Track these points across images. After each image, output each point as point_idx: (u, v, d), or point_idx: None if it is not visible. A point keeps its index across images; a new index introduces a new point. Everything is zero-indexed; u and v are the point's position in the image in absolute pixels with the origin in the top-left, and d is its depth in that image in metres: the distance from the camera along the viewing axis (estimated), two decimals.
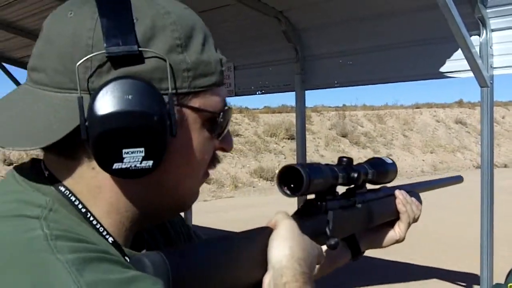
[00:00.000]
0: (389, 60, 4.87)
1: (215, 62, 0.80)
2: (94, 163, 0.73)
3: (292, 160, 17.16)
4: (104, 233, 0.76)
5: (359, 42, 4.97)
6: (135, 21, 0.72)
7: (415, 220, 1.36)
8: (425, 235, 9.27)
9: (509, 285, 1.48)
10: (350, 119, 25.33)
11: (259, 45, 5.52)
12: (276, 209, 0.98)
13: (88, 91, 0.71)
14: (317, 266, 0.98)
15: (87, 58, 0.70)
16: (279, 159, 19.83)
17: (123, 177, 0.73)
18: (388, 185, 1.33)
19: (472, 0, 4.04)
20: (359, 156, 21.40)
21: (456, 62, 4.50)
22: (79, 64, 0.70)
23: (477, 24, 4.13)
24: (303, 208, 1.07)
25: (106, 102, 0.68)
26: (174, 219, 1.03)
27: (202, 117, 0.79)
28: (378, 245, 1.35)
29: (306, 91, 5.33)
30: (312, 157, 19.99)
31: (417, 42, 4.70)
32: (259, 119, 22.74)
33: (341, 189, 1.16)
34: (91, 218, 0.75)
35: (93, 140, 0.69)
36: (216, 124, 0.82)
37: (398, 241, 1.35)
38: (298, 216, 1.02)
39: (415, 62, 4.77)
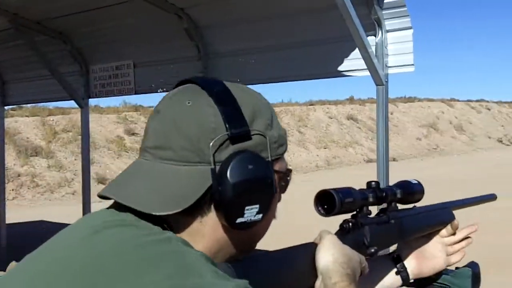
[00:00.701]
0: (290, 58, 4.97)
1: (284, 134, 1.00)
2: (204, 218, 0.90)
3: None
4: None
5: (261, 40, 5.03)
6: (241, 107, 0.91)
7: None
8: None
9: None
10: None
11: (160, 42, 5.47)
12: None
13: (214, 164, 0.87)
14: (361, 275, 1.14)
15: (217, 138, 0.88)
16: None
17: (241, 229, 0.91)
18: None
19: (368, 1, 4.20)
20: None
21: (353, 61, 4.66)
22: (211, 144, 0.87)
23: (373, 25, 4.30)
24: (342, 226, 1.21)
25: (235, 172, 0.87)
26: None
27: (279, 177, 0.98)
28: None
29: None
30: None
31: (317, 42, 4.82)
32: None
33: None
34: None
35: (224, 201, 0.87)
36: (286, 182, 1.01)
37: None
38: (339, 233, 1.18)
39: (315, 61, 4.90)
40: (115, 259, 0.80)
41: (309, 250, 1.08)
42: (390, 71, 4.36)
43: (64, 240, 0.89)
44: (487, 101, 42.87)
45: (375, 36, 4.32)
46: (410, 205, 1.41)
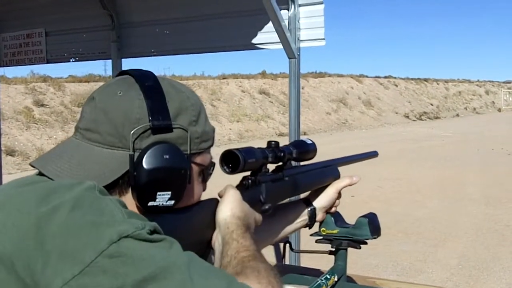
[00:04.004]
0: (204, 30, 4.96)
1: (211, 131, 1.12)
2: (123, 197, 1.00)
3: None
4: None
5: (175, 11, 4.99)
6: (167, 102, 1.01)
7: None
8: None
9: (321, 229, 1.68)
10: None
11: (72, 10, 5.29)
12: None
13: (133, 150, 0.97)
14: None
15: (138, 127, 0.97)
16: None
17: (152, 212, 0.99)
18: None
19: None
20: None
21: (266, 35, 4.73)
22: (132, 133, 0.97)
23: None
24: (242, 183, 1.31)
25: (151, 160, 0.97)
26: None
27: (200, 169, 1.10)
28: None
29: (124, 60, 5.23)
30: None
31: (231, 14, 4.85)
32: (65, 89, 21.84)
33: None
34: None
35: (138, 185, 0.97)
36: (207, 174, 1.14)
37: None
38: (239, 189, 1.27)
39: (229, 33, 4.94)
40: (30, 194, 0.90)
41: (211, 206, 1.18)
42: (302, 44, 4.45)
43: None
44: (395, 78, 44.22)
45: (288, 10, 4.40)
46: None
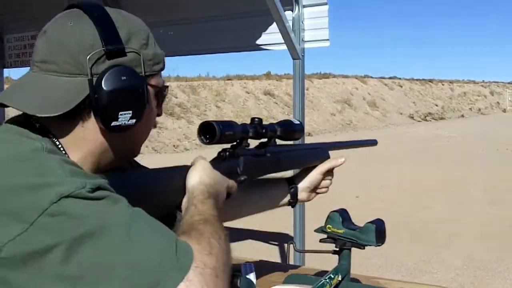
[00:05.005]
0: (208, 31, 4.99)
1: (161, 54, 1.15)
2: (85, 123, 1.05)
3: None
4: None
5: (180, 12, 5.02)
6: (117, 28, 1.05)
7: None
8: None
9: (327, 226, 1.69)
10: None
11: None
12: None
13: (91, 75, 1.01)
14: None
15: (93, 53, 1.01)
16: None
17: (116, 131, 1.05)
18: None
19: None
20: (174, 127, 21.56)
21: (270, 36, 4.76)
22: (88, 58, 1.01)
23: (290, 0, 4.40)
24: (220, 154, 1.36)
25: (109, 82, 1.01)
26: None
27: (155, 91, 1.15)
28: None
29: None
30: None
31: (235, 15, 4.87)
32: None
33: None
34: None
35: (99, 107, 1.01)
36: (162, 96, 1.18)
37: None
38: (216, 160, 1.34)
39: (233, 34, 4.95)
40: None
41: (182, 171, 1.24)
42: (306, 45, 4.48)
43: None
44: (400, 79, 44.19)
45: (292, 11, 4.42)
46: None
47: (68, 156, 1.03)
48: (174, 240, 0.90)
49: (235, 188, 1.34)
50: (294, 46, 4.31)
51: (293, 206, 1.72)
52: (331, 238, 1.68)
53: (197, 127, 1.30)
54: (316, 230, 1.70)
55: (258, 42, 4.84)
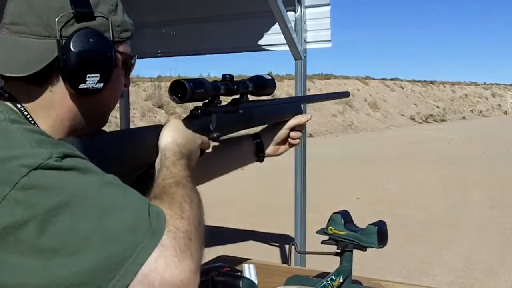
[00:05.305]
0: (210, 31, 4.99)
1: (130, 23, 1.17)
2: (54, 88, 1.06)
3: None
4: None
5: (181, 12, 5.01)
6: None
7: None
8: (242, 199, 9.70)
9: (329, 228, 1.68)
10: (166, 90, 25.08)
11: None
12: None
13: (60, 37, 1.02)
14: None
15: (62, 15, 1.02)
16: None
17: (84, 94, 1.06)
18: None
19: None
20: None
21: (272, 36, 4.76)
22: (58, 20, 1.02)
23: (293, 1, 4.40)
24: (192, 112, 1.36)
25: (78, 44, 1.02)
26: None
27: (123, 58, 1.16)
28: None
29: None
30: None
31: (237, 16, 4.87)
32: None
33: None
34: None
35: (68, 68, 1.02)
36: (130, 64, 1.20)
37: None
38: (189, 118, 1.34)
39: (235, 35, 4.96)
40: None
41: (155, 131, 1.24)
42: (308, 46, 4.47)
43: None
44: (401, 80, 44.14)
45: (295, 12, 4.42)
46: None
47: (36, 124, 1.04)
48: (147, 206, 0.89)
49: (208, 145, 1.36)
50: (296, 47, 4.30)
51: (261, 161, 1.71)
52: (333, 239, 1.68)
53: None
54: (318, 232, 1.70)
55: (260, 42, 4.84)
